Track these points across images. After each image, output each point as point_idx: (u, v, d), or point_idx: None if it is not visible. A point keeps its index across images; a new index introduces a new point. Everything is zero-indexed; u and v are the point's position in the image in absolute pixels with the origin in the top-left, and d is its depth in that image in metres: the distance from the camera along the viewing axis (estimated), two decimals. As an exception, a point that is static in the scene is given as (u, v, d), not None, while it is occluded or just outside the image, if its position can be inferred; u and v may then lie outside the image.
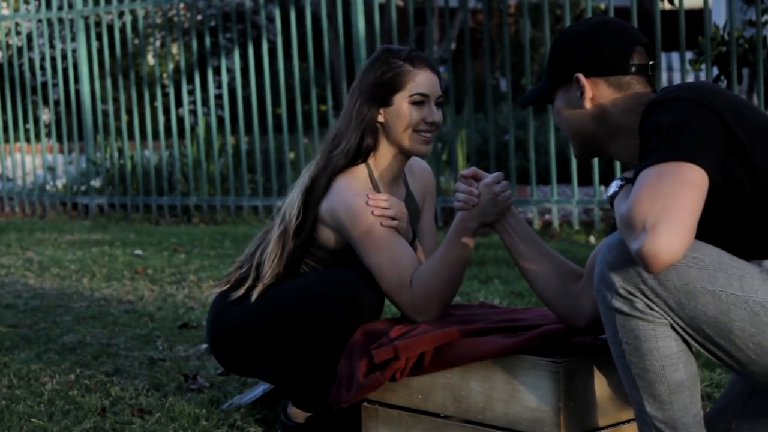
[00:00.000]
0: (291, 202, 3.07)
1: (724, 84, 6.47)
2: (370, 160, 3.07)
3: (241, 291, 3.09)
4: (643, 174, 2.16)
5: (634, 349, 2.28)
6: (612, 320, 2.29)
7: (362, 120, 3.03)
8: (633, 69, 2.50)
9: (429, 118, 3.03)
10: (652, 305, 2.24)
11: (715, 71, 6.49)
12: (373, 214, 2.95)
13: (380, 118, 3.04)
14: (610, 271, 2.25)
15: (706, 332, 2.23)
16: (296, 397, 3.12)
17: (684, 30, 6.41)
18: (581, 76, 2.50)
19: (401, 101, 3.02)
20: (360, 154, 3.03)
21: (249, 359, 3.11)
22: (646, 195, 2.11)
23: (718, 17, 10.25)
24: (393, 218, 2.97)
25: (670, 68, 15.00)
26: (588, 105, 2.51)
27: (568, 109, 2.55)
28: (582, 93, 2.51)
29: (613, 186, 2.38)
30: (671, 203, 2.09)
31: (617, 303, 2.26)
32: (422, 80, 3.03)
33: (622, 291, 2.25)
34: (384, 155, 3.08)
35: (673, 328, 2.26)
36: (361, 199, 2.97)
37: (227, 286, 3.16)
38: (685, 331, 2.25)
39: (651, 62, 2.52)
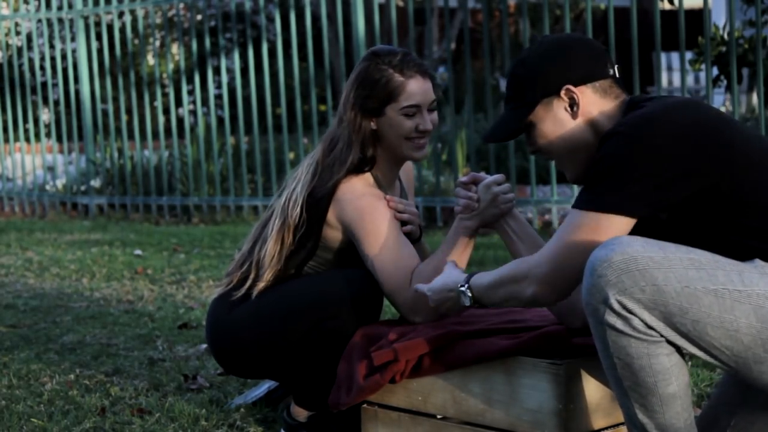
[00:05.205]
0: (293, 199, 3.06)
1: (723, 84, 6.47)
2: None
3: (242, 291, 3.09)
4: (565, 222, 2.35)
5: (625, 365, 2.24)
6: (603, 335, 2.24)
7: (358, 131, 3.02)
8: (611, 72, 2.51)
9: (421, 126, 3.01)
10: (651, 322, 2.19)
11: (715, 71, 6.49)
12: (395, 217, 2.98)
13: (373, 126, 3.03)
14: (604, 284, 2.19)
15: (711, 335, 2.18)
16: (298, 395, 3.12)
17: (684, 30, 6.40)
18: (571, 87, 2.48)
19: (393, 112, 3.00)
20: (365, 163, 3.03)
21: (250, 361, 3.11)
22: (557, 254, 2.36)
23: (718, 17, 10.25)
24: (408, 222, 3.02)
25: (670, 68, 15.00)
26: (579, 116, 2.49)
27: (557, 129, 2.51)
28: (574, 104, 2.48)
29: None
30: (569, 274, 2.35)
31: (610, 318, 2.21)
32: (413, 90, 2.99)
33: (616, 306, 2.19)
34: (382, 159, 3.08)
35: (670, 342, 2.21)
36: (368, 199, 2.98)
37: (230, 287, 3.15)
38: (688, 338, 2.19)
39: (616, 65, 2.55)
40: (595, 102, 2.49)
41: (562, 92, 2.49)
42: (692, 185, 2.28)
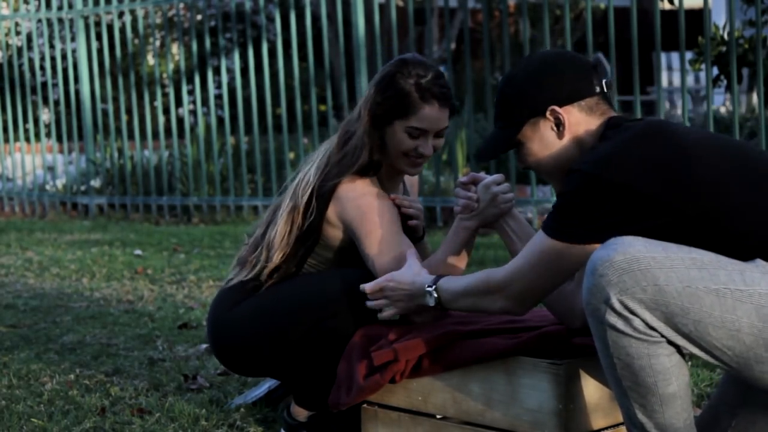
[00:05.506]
0: (306, 181, 3.07)
1: (723, 84, 6.47)
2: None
3: (253, 273, 3.10)
4: (534, 242, 2.44)
5: (625, 365, 2.23)
6: (603, 335, 2.24)
7: (369, 136, 3.03)
8: (597, 89, 2.52)
9: (421, 149, 3.02)
10: (652, 323, 2.18)
11: (715, 71, 6.49)
12: (402, 212, 3.01)
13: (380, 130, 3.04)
14: (605, 284, 2.19)
15: (712, 335, 2.17)
16: (298, 395, 3.12)
17: (684, 30, 6.40)
18: (556, 108, 2.50)
19: (399, 127, 3.00)
20: (371, 167, 3.04)
21: (249, 359, 3.11)
22: (526, 274, 2.46)
23: (718, 17, 10.24)
24: (413, 217, 3.05)
25: (670, 68, 15.01)
26: (566, 135, 2.52)
27: (544, 148, 2.54)
28: (560, 124, 2.51)
29: None
30: (537, 291, 2.49)
31: (611, 319, 2.21)
32: (426, 115, 2.98)
33: (617, 306, 2.19)
34: (386, 164, 3.08)
35: (671, 343, 2.21)
36: (370, 198, 2.98)
37: (241, 274, 3.15)
38: (689, 339, 2.19)
39: (605, 80, 2.55)
40: (581, 121, 2.51)
41: (548, 112, 2.51)
42: (653, 218, 2.29)
